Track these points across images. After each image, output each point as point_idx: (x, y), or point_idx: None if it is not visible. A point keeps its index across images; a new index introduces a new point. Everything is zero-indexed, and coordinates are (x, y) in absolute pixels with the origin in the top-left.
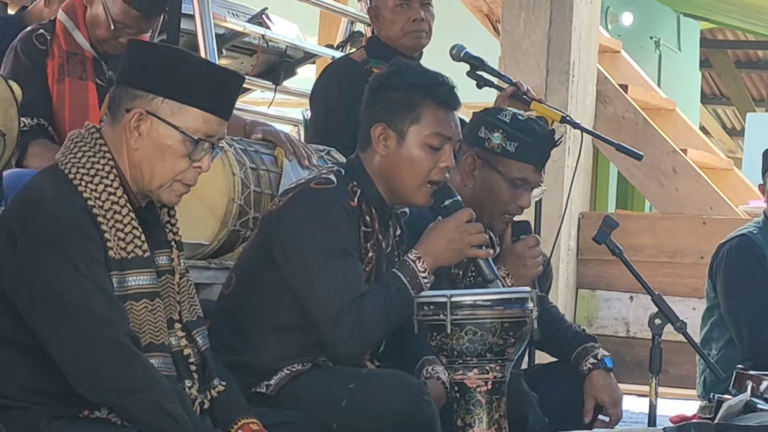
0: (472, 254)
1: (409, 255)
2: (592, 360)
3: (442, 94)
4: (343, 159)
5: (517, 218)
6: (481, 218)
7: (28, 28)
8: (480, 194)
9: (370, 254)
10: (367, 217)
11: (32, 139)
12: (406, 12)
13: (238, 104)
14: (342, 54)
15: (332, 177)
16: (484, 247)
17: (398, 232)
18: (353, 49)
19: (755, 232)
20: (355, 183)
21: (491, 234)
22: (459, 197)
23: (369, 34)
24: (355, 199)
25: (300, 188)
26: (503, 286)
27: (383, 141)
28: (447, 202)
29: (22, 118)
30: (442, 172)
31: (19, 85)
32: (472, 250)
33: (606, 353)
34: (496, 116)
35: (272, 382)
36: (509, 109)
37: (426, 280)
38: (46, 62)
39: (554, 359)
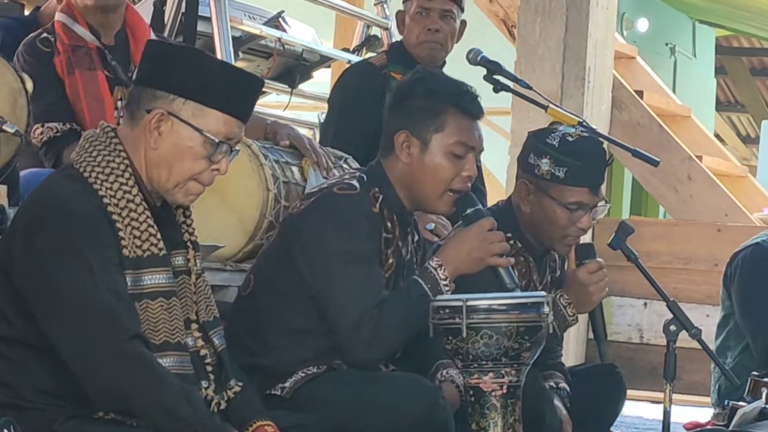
0: (493, 263)
1: (431, 262)
2: None
3: (467, 103)
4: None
5: (582, 240)
6: (542, 242)
7: (30, 35)
8: (537, 219)
9: (391, 260)
10: (389, 224)
11: (66, 145)
12: (424, 20)
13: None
14: (358, 58)
15: (355, 183)
16: (504, 256)
17: (416, 238)
18: (369, 53)
19: None
20: (377, 189)
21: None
22: (481, 206)
23: (385, 39)
24: (377, 206)
25: (323, 193)
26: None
27: (406, 149)
28: (469, 211)
29: (54, 124)
30: (465, 181)
31: (36, 89)
32: (493, 259)
33: None
34: (545, 140)
35: (287, 384)
36: (559, 129)
37: (447, 288)
38: (54, 61)
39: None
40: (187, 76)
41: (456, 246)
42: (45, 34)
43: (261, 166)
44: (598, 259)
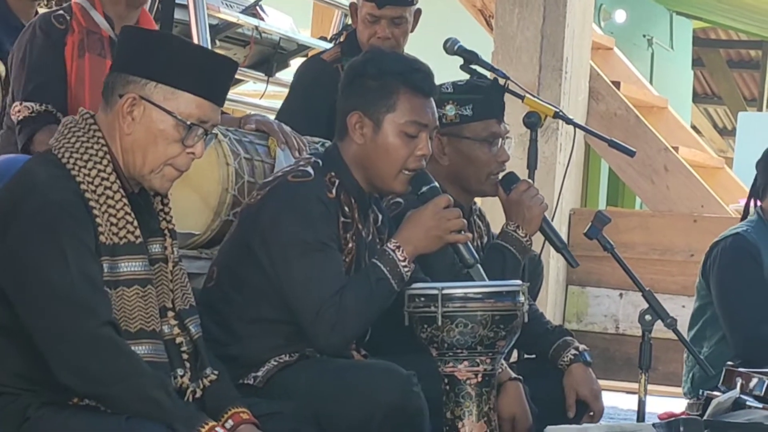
0: (452, 240)
1: (389, 244)
2: (572, 352)
3: (418, 81)
4: None
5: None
6: (470, 189)
7: (48, 11)
8: (458, 167)
9: (350, 245)
10: (346, 208)
11: (40, 126)
12: (374, 27)
13: (230, 96)
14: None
15: (309, 169)
16: (462, 232)
17: (380, 217)
18: None
19: (749, 230)
20: (333, 173)
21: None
22: (436, 183)
23: None
24: (333, 191)
25: (277, 181)
26: (484, 271)
27: (359, 129)
28: (424, 189)
29: (30, 103)
30: (419, 159)
31: (34, 66)
32: (451, 236)
33: (585, 347)
34: (440, 91)
35: (260, 373)
36: (445, 82)
37: (406, 269)
38: (65, 40)
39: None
40: (158, 59)
41: (413, 226)
42: (61, 11)
43: (219, 142)
44: (525, 179)
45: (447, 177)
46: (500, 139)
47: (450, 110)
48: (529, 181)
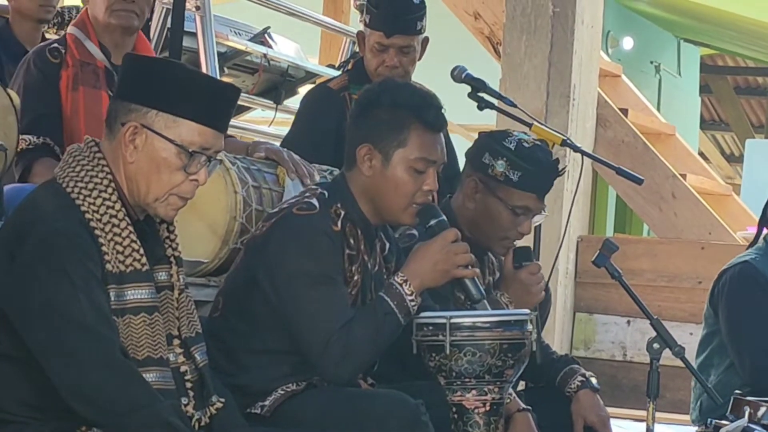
0: (459, 274)
1: (396, 278)
2: (579, 379)
3: (431, 117)
4: None
5: (518, 243)
6: (480, 240)
7: (42, 44)
8: (480, 217)
9: (356, 277)
10: (352, 240)
11: (37, 157)
12: (382, 55)
13: (239, 123)
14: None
15: (314, 201)
16: (470, 267)
17: (387, 246)
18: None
19: (757, 258)
20: (338, 205)
21: (492, 257)
22: (444, 217)
23: None
24: (338, 223)
25: (282, 214)
26: (490, 306)
27: (368, 161)
28: (432, 222)
29: (28, 136)
30: (426, 195)
31: (29, 100)
32: (458, 270)
33: (592, 374)
34: (501, 142)
35: (267, 402)
36: (516, 133)
37: (413, 303)
38: (60, 74)
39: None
40: (159, 87)
41: (421, 259)
42: (56, 44)
43: (227, 170)
44: (536, 262)
45: (466, 219)
46: (531, 214)
47: (500, 166)
48: (539, 264)
